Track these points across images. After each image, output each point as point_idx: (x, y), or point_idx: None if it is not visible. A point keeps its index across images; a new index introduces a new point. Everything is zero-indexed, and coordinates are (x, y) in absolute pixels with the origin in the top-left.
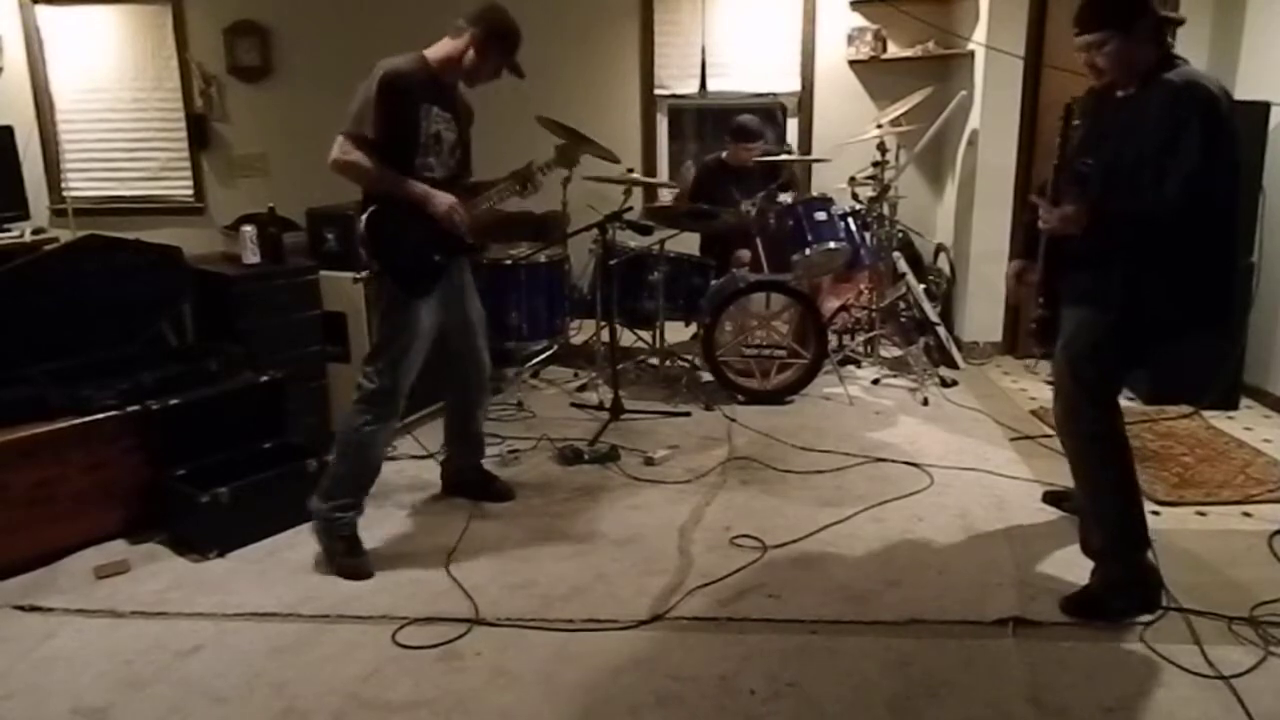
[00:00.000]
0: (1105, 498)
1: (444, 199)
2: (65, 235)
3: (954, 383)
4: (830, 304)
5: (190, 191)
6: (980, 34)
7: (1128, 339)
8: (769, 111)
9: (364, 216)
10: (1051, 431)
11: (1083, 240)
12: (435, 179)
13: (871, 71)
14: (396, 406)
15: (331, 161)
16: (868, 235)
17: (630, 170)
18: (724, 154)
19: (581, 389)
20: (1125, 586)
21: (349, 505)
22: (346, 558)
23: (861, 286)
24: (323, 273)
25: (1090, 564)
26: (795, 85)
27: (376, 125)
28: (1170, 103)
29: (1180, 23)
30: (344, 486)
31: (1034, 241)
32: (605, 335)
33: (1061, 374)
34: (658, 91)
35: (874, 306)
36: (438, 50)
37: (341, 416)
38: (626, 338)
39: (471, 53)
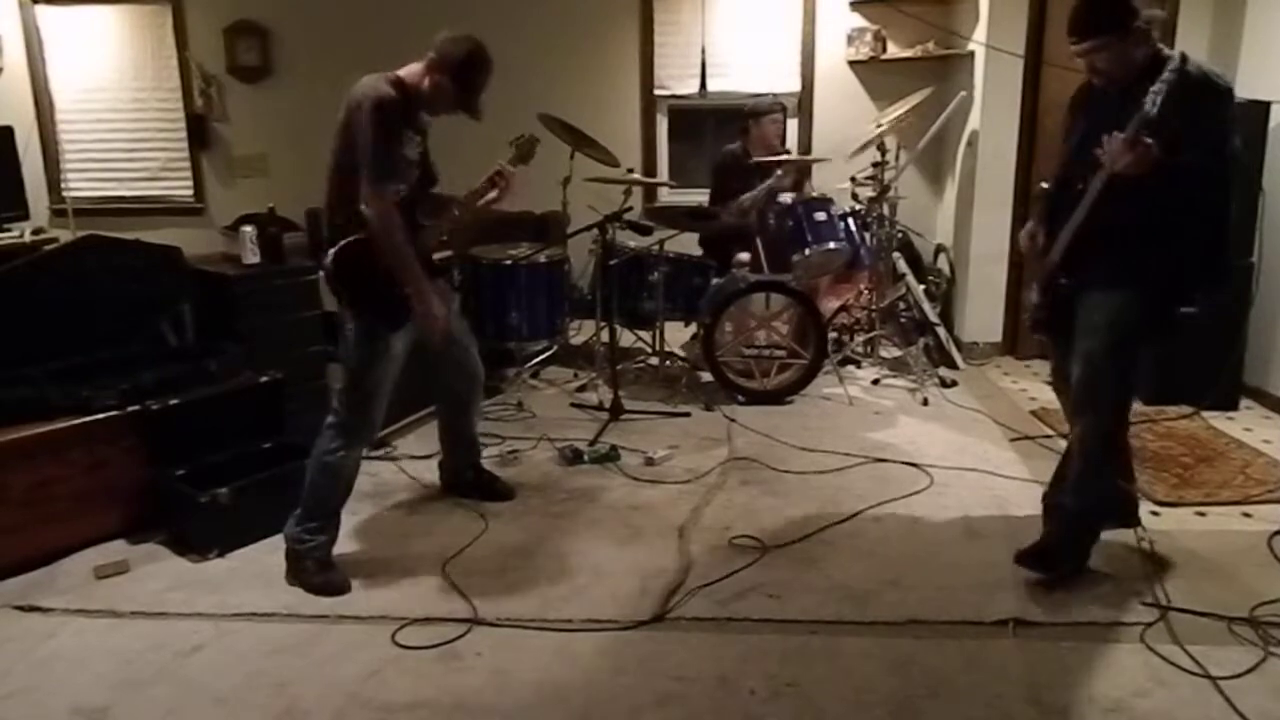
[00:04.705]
0: (1101, 435)
1: (433, 305)
2: (65, 235)
3: (954, 383)
4: (830, 304)
5: (190, 192)
6: (980, 34)
7: (1161, 312)
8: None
9: (332, 253)
10: (1051, 431)
11: (1123, 214)
12: (402, 198)
13: (871, 71)
14: (370, 435)
15: (374, 218)
16: (867, 235)
17: (630, 170)
18: (740, 146)
19: (581, 389)
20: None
21: (320, 529)
22: (317, 575)
23: (861, 287)
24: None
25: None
26: (795, 85)
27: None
28: (1176, 88)
29: (1163, 20)
30: (315, 511)
31: (1055, 221)
32: (605, 335)
33: (1094, 355)
34: (658, 91)
35: (874, 307)
36: (406, 72)
37: (316, 442)
38: (626, 338)
39: (427, 82)
